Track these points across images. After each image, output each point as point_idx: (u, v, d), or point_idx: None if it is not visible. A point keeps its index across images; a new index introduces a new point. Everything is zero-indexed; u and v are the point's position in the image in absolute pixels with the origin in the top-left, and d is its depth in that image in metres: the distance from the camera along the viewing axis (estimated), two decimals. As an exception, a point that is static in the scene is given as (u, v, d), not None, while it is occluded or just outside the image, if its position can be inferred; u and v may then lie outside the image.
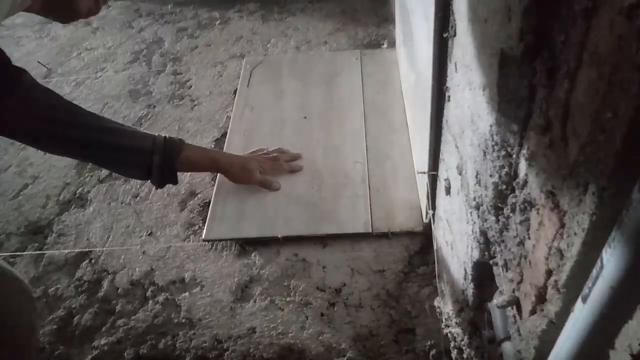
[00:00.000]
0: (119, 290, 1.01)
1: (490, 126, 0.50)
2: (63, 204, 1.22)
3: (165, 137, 0.96)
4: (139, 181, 1.21)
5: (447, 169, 0.76)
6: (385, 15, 1.70)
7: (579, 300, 0.34)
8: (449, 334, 0.84)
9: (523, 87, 0.41)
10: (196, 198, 1.17)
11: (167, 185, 1.02)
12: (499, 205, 0.51)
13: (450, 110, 0.69)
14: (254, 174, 1.09)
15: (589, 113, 0.31)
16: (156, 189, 1.01)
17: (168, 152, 0.95)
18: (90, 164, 1.01)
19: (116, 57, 1.71)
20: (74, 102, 0.87)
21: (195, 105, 1.44)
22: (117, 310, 0.98)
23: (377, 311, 0.91)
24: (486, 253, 0.59)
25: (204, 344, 0.90)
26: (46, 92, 0.83)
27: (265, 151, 1.18)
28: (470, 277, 0.68)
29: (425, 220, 0.98)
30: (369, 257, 0.99)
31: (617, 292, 0.30)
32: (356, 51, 1.52)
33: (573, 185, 0.34)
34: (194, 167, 1.05)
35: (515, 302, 0.51)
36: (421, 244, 1.00)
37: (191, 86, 1.52)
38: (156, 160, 0.93)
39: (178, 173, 0.99)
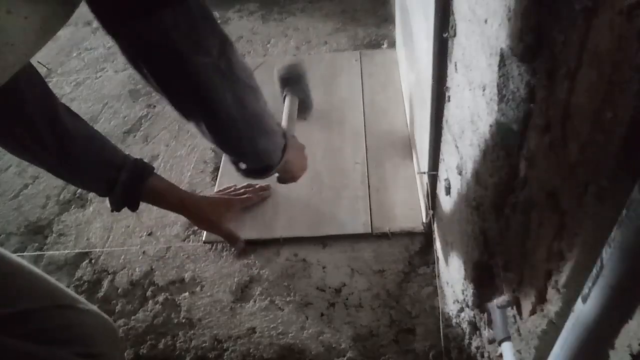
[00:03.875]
0: (119, 290, 1.01)
1: (490, 126, 0.50)
2: (63, 204, 1.22)
3: (135, 158, 0.88)
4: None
5: (447, 169, 0.76)
6: (385, 15, 1.70)
7: (579, 300, 0.34)
8: (449, 334, 0.84)
9: (523, 87, 0.41)
10: (196, 198, 1.17)
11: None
12: (499, 205, 0.51)
13: (450, 110, 0.69)
14: (222, 223, 1.03)
15: (589, 113, 0.31)
16: (112, 210, 0.90)
17: (138, 172, 0.87)
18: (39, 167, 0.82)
19: (116, 57, 1.70)
20: (74, 102, 0.86)
21: (195, 106, 1.44)
22: (117, 310, 0.98)
23: (377, 311, 0.91)
24: (486, 253, 0.59)
25: (204, 344, 0.90)
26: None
27: (233, 188, 1.13)
28: (470, 277, 0.68)
29: (425, 220, 0.98)
30: (369, 257, 0.99)
31: (617, 292, 0.30)
32: (356, 52, 1.52)
33: (573, 185, 0.34)
34: (158, 199, 0.94)
35: (515, 302, 0.51)
36: (421, 244, 1.00)
37: (191, 86, 1.52)
38: (122, 177, 0.85)
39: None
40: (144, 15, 0.53)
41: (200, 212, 1.01)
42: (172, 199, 0.95)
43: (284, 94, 1.20)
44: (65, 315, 0.66)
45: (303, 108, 1.22)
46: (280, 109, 1.16)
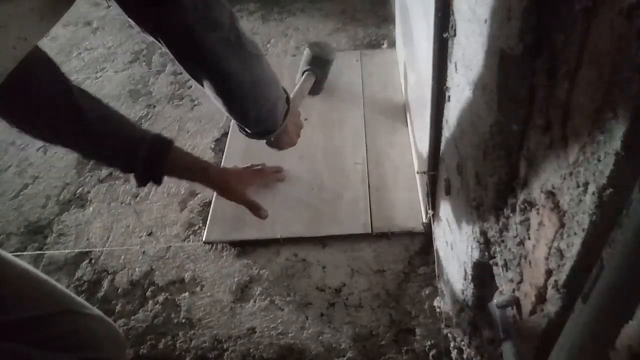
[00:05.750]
0: (119, 290, 1.01)
1: (490, 126, 0.50)
2: (63, 204, 1.22)
3: (154, 133, 0.87)
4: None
5: (447, 169, 0.76)
6: (385, 15, 1.70)
7: (579, 300, 0.34)
8: (449, 334, 0.84)
9: (523, 87, 0.41)
10: (196, 198, 1.17)
11: (164, 185, 0.95)
12: (499, 205, 0.51)
13: (450, 110, 0.69)
14: (245, 192, 1.01)
15: (589, 113, 0.31)
16: (137, 186, 0.89)
17: (156, 146, 0.86)
18: (68, 149, 0.83)
19: (116, 57, 1.71)
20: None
21: (195, 106, 1.44)
22: (117, 310, 0.98)
23: (377, 311, 0.91)
24: (486, 253, 0.59)
25: (204, 344, 0.90)
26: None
27: (250, 164, 1.15)
28: (470, 277, 0.68)
29: (425, 220, 0.98)
30: (369, 257, 0.99)
31: (617, 292, 0.30)
32: (356, 52, 1.52)
33: (573, 185, 0.34)
34: (181, 171, 0.93)
35: (515, 302, 0.51)
36: (421, 244, 1.00)
37: (191, 86, 1.52)
38: (142, 152, 0.84)
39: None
40: (165, 1, 0.61)
41: (225, 181, 0.98)
42: (195, 169, 0.93)
43: (304, 70, 1.24)
44: (71, 320, 0.67)
45: (316, 88, 1.26)
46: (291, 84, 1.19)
